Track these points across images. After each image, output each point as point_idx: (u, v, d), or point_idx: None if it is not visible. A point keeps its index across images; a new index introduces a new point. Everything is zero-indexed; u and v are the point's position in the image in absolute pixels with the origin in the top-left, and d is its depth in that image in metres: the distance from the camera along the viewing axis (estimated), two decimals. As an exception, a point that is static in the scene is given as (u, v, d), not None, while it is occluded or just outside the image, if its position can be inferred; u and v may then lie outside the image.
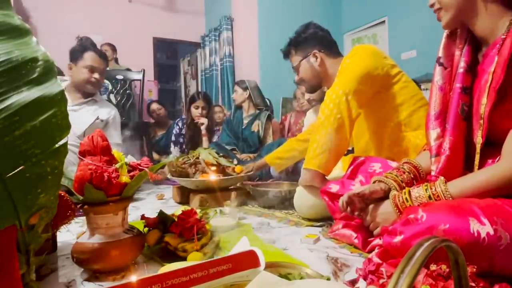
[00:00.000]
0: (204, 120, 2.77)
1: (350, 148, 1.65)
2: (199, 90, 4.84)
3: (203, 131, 2.77)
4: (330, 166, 1.18)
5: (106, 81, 3.54)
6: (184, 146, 2.94)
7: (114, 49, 4.04)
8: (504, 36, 0.72)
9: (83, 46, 1.92)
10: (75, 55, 1.88)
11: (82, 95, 1.94)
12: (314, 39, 1.44)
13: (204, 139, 2.77)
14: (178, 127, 3.02)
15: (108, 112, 2.02)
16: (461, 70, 0.81)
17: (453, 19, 0.81)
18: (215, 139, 2.87)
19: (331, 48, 1.46)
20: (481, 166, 0.76)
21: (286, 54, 1.52)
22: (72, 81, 1.91)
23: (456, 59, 0.85)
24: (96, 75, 1.89)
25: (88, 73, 1.87)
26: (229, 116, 3.00)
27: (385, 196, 0.86)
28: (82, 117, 1.89)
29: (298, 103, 2.97)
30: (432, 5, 0.85)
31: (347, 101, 1.14)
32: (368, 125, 1.35)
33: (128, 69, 3.73)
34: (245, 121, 2.78)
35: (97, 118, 1.93)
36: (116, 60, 4.08)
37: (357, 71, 1.19)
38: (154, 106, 3.70)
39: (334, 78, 1.39)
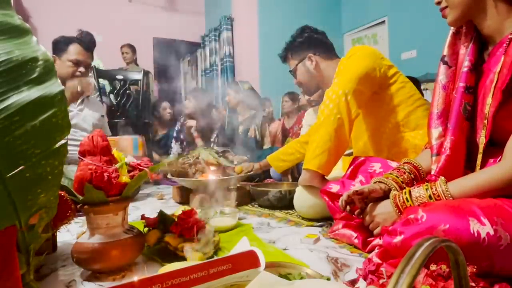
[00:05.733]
0: (192, 122, 2.71)
1: (351, 151, 1.64)
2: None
3: (194, 133, 2.72)
4: (329, 167, 1.18)
5: (104, 81, 3.52)
6: (184, 144, 2.93)
7: (134, 50, 3.93)
8: (511, 36, 0.71)
9: (67, 37, 1.81)
10: (59, 47, 1.77)
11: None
12: (308, 43, 1.45)
13: (197, 141, 2.73)
14: (179, 123, 3.00)
15: (100, 106, 2.02)
16: (465, 69, 0.80)
17: (460, 17, 0.80)
18: (212, 138, 2.84)
19: (327, 50, 1.47)
20: (483, 166, 0.76)
21: (284, 58, 1.55)
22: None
23: (460, 57, 0.84)
24: (81, 69, 1.78)
25: (73, 67, 1.75)
26: (224, 118, 2.98)
27: (384, 196, 0.86)
28: (88, 115, 1.88)
29: (283, 103, 2.96)
30: (438, 2, 0.84)
31: (346, 101, 1.15)
32: (366, 126, 1.35)
33: (148, 72, 3.60)
34: (241, 127, 2.73)
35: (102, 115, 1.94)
36: (135, 62, 3.98)
37: (356, 72, 1.19)
38: (166, 104, 3.53)
39: (331, 79, 1.40)
